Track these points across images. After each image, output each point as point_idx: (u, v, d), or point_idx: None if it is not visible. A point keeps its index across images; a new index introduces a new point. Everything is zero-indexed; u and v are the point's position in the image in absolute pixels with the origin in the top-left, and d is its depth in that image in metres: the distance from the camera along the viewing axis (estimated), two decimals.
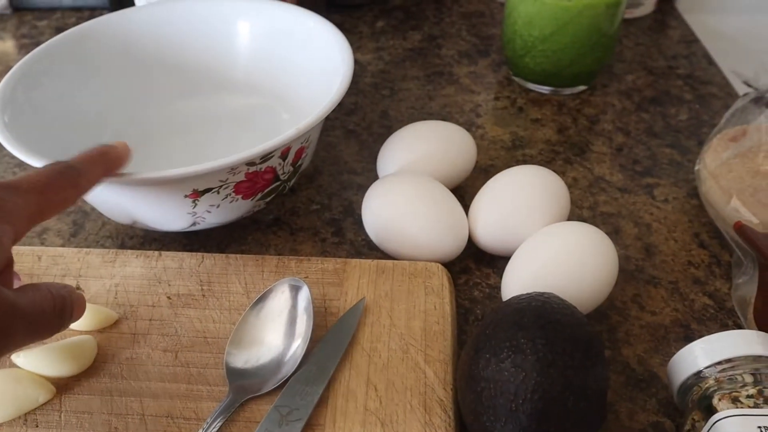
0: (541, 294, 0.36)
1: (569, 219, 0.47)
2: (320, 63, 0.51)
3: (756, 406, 0.32)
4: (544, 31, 0.59)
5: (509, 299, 0.37)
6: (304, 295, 0.40)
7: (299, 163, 0.46)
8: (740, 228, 0.42)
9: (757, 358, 0.35)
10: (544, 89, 0.63)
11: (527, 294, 0.36)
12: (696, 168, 0.50)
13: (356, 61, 0.68)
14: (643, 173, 0.54)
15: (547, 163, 0.55)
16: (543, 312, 0.34)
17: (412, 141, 0.49)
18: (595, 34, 0.59)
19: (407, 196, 0.44)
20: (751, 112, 0.52)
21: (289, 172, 0.46)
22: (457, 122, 0.59)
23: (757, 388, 0.33)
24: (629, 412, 0.38)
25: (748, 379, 0.34)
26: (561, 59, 0.60)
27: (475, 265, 0.47)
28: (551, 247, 0.41)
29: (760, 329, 0.39)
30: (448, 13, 0.78)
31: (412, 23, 0.76)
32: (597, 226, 0.49)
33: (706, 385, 0.34)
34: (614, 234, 0.49)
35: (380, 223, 0.45)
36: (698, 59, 0.70)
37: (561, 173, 0.54)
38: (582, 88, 0.64)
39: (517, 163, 0.55)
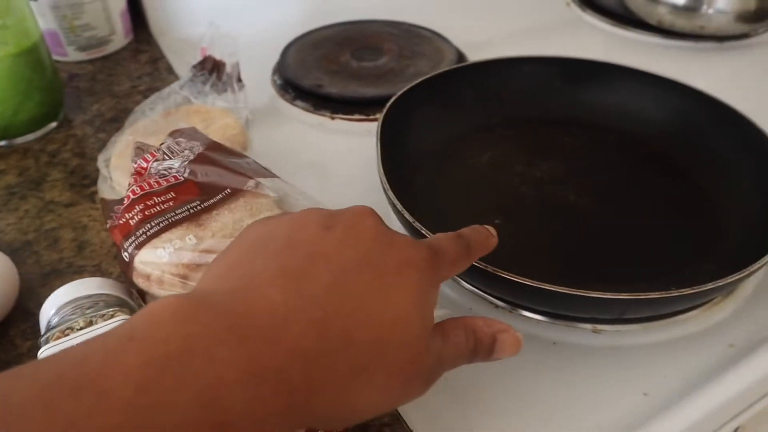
0: None
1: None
2: None
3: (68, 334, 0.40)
4: None
5: None
6: None
7: None
8: (101, 201, 0.51)
9: (88, 297, 0.43)
10: (2, 143, 0.69)
11: None
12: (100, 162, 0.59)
13: None
14: (89, 185, 0.63)
15: (3, 205, 0.61)
16: None
17: None
18: (21, 82, 0.66)
19: None
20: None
21: None
22: None
23: (84, 318, 0.42)
24: None
25: (79, 315, 0.42)
26: (3, 112, 0.66)
27: None
28: None
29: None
30: None
31: None
32: (39, 243, 0.56)
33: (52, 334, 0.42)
34: (53, 244, 0.56)
35: None
36: (160, 72, 0.81)
37: (14, 210, 0.60)
38: (51, 127, 0.71)
39: None
